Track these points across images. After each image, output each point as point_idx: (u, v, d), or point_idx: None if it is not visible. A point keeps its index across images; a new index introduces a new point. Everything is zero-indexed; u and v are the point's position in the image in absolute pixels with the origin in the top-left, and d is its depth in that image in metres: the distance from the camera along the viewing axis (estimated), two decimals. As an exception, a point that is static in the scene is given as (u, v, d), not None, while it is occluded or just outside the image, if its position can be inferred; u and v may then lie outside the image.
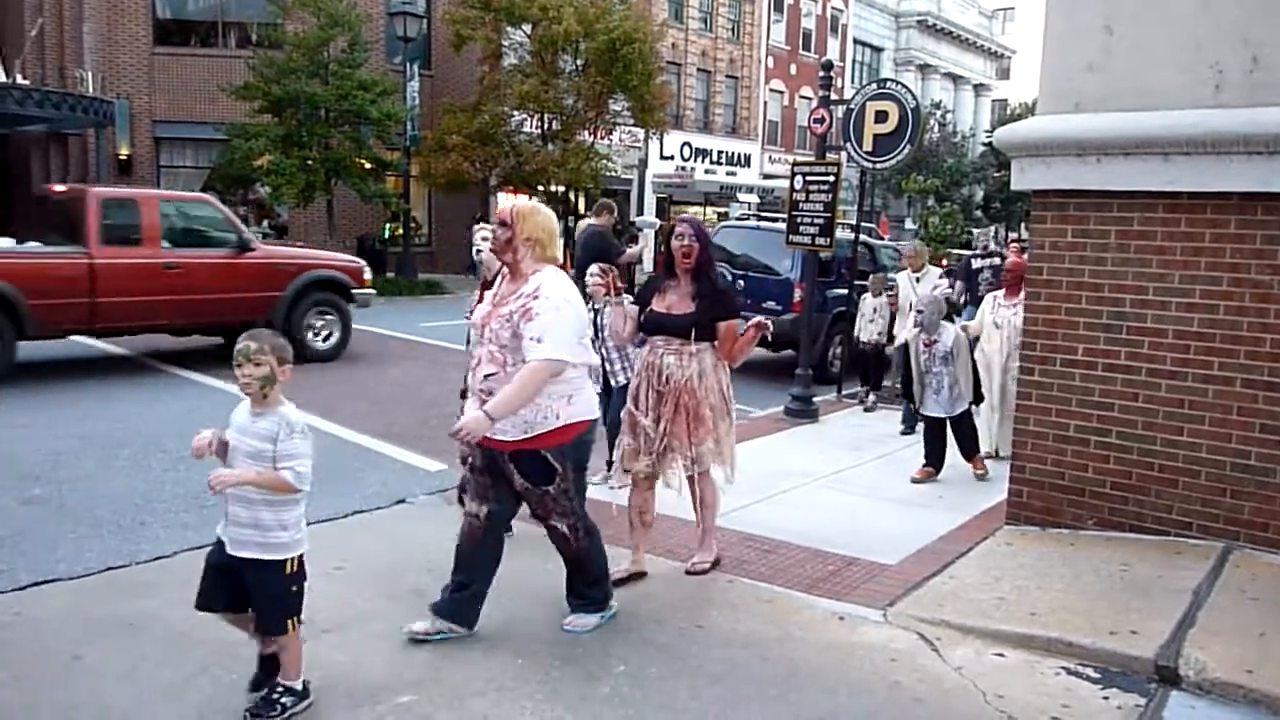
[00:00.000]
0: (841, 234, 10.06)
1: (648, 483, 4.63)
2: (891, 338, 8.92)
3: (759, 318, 4.53)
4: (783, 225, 9.86)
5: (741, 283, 11.04)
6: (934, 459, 6.68)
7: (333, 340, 10.98)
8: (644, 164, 30.78)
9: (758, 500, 5.95)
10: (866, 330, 9.32)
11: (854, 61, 40.53)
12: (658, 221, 12.97)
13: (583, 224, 9.46)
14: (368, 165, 20.12)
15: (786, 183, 9.08)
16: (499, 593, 4.31)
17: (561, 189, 23.99)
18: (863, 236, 11.06)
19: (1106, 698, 3.60)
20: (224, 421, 3.31)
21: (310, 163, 18.84)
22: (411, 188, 22.03)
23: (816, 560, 4.98)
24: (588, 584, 4.10)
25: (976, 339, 7.27)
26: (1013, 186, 5.48)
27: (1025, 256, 6.40)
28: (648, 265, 26.83)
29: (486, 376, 3.65)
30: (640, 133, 26.03)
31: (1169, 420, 5.01)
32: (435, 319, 15.57)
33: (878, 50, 42.41)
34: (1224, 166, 4.72)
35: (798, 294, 10.20)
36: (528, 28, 22.93)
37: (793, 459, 7.07)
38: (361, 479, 6.29)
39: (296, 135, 18.87)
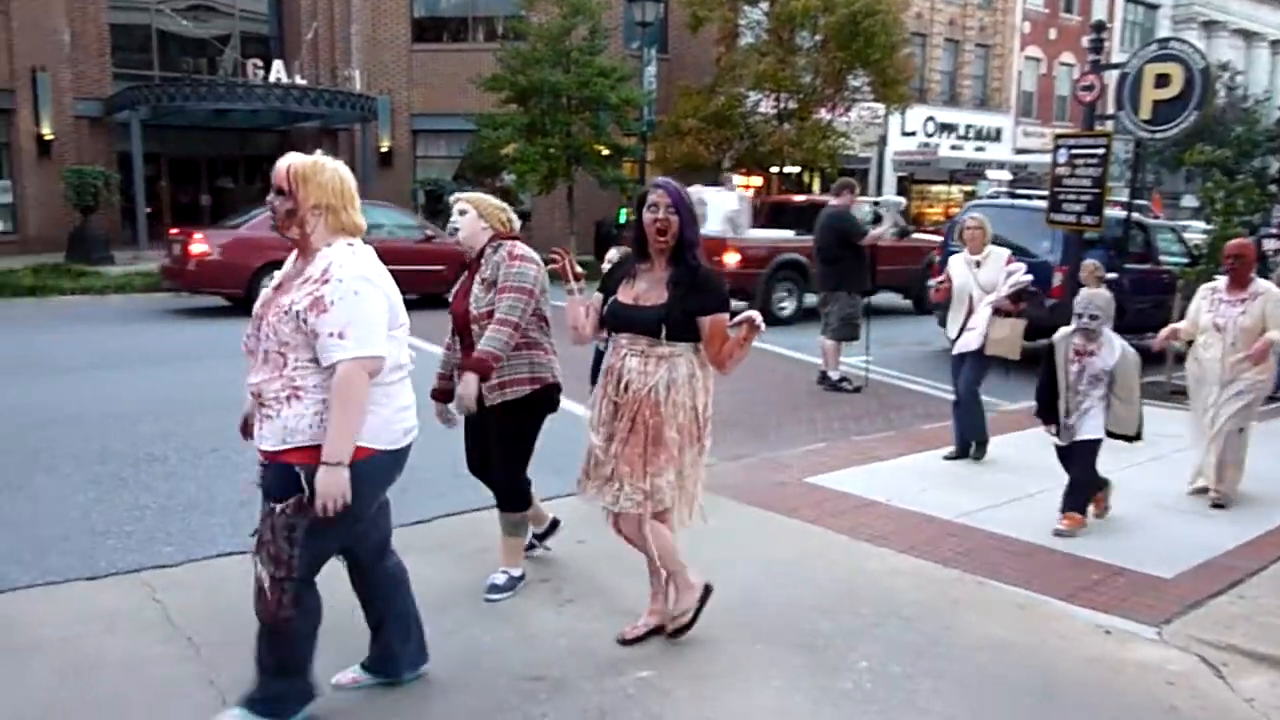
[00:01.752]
0: (1110, 212, 9.31)
1: (632, 519, 3.64)
2: None
3: (750, 312, 3.43)
4: (1040, 203, 9.28)
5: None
6: (1073, 496, 5.21)
7: None
8: (884, 141, 29.86)
9: (1010, 500, 5.65)
10: None
11: (1125, 21, 37.25)
12: (903, 201, 12.52)
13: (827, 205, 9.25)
14: (605, 151, 20.79)
15: (1041, 158, 8.53)
16: (736, 570, 4.37)
17: (796, 169, 23.73)
18: (1134, 215, 10.18)
19: None
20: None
21: (552, 150, 19.70)
22: (646, 172, 22.53)
23: (1077, 567, 4.67)
24: (264, 670, 2.99)
25: (1190, 344, 6.01)
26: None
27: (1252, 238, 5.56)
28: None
29: (260, 382, 2.84)
30: (880, 108, 25.22)
31: None
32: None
33: (1152, 8, 38.74)
34: None
35: (1057, 278, 9.56)
36: (765, 5, 22.82)
37: (1048, 457, 6.64)
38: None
39: (540, 123, 19.78)
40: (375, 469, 2.87)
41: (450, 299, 4.15)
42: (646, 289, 3.56)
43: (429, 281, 12.83)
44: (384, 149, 24.53)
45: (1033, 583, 4.46)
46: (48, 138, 20.69)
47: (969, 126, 32.95)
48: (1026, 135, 34.31)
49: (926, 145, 30.87)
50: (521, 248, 3.99)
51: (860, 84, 23.36)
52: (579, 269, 3.65)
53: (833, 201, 9.11)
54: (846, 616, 4.09)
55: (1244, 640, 3.85)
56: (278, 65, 21.35)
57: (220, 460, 6.04)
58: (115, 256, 18.33)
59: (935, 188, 32.38)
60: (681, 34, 24.08)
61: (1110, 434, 5.18)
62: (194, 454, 6.21)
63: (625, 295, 3.60)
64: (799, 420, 7.79)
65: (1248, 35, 42.00)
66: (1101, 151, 7.97)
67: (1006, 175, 30.09)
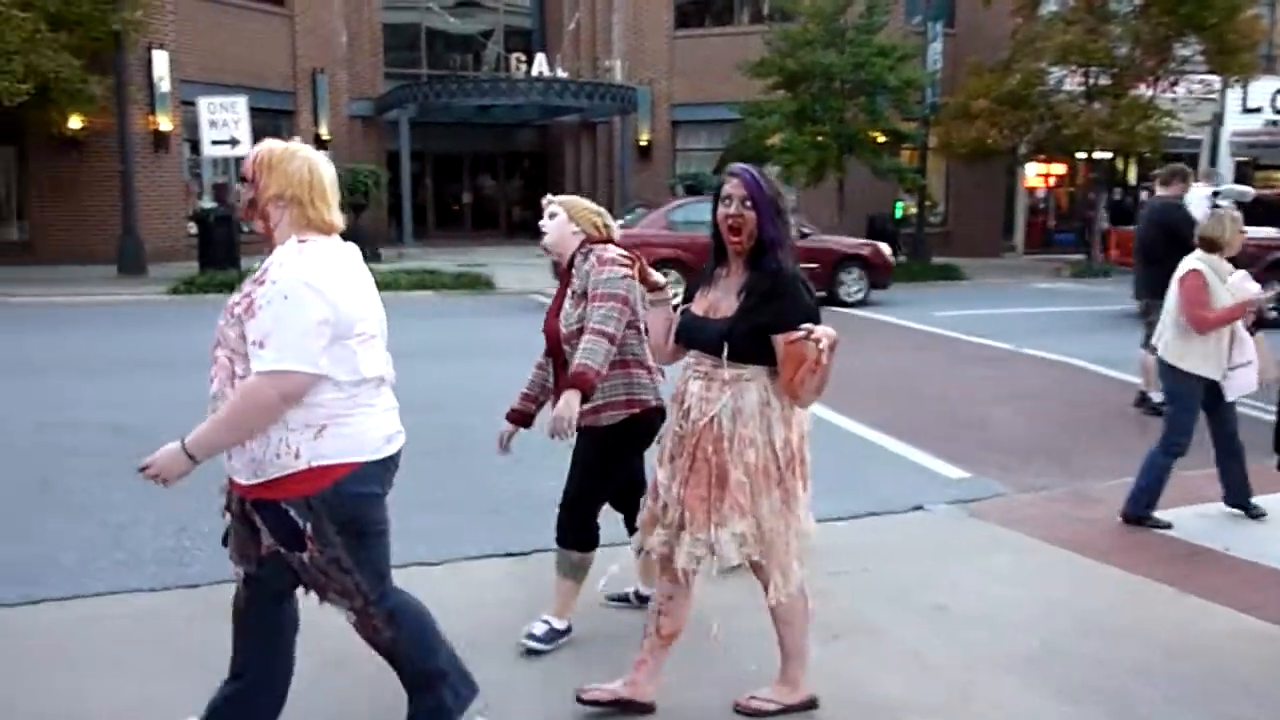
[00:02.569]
0: None
1: (669, 567, 3.32)
2: None
3: (809, 326, 2.99)
4: None
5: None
6: None
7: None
8: (1219, 119, 27.21)
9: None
10: None
11: None
12: (1250, 191, 11.32)
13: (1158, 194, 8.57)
14: (882, 138, 20.36)
15: None
16: (1038, 619, 4.13)
17: (1109, 155, 22.14)
18: None
19: None
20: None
21: (822, 139, 19.55)
22: (928, 161, 21.88)
23: None
24: (410, 686, 3.02)
25: None
26: None
27: None
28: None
29: (214, 394, 2.78)
30: (1216, 81, 23.01)
31: None
32: (952, 308, 15.32)
33: None
34: None
35: None
36: (1074, -33, 21.47)
37: None
38: (875, 479, 6.40)
39: (810, 110, 19.69)
40: (365, 481, 2.80)
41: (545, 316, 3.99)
42: (720, 298, 3.26)
43: None
44: (643, 142, 25.35)
45: None
46: (325, 138, 23.08)
47: (1332, 100, 29.40)
48: None
49: (1276, 124, 27.82)
50: (613, 251, 3.78)
51: (1191, 53, 21.41)
52: (658, 275, 3.46)
53: (1160, 191, 8.41)
54: (1165, 680, 3.75)
55: None
56: (540, 58, 22.67)
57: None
58: (382, 254, 20.13)
59: (1283, 174, 29.16)
60: (972, 5, 23.16)
61: None
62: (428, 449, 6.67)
63: (699, 305, 3.31)
64: (1111, 448, 7.27)
65: None
66: None
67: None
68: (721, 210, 3.19)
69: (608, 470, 3.90)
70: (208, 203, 18.53)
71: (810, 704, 3.47)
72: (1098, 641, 4.05)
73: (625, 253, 3.71)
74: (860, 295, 16.09)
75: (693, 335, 3.28)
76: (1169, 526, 5.36)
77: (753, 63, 20.17)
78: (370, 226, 21.23)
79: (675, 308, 3.44)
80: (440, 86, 22.70)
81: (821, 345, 2.95)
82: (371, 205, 21.00)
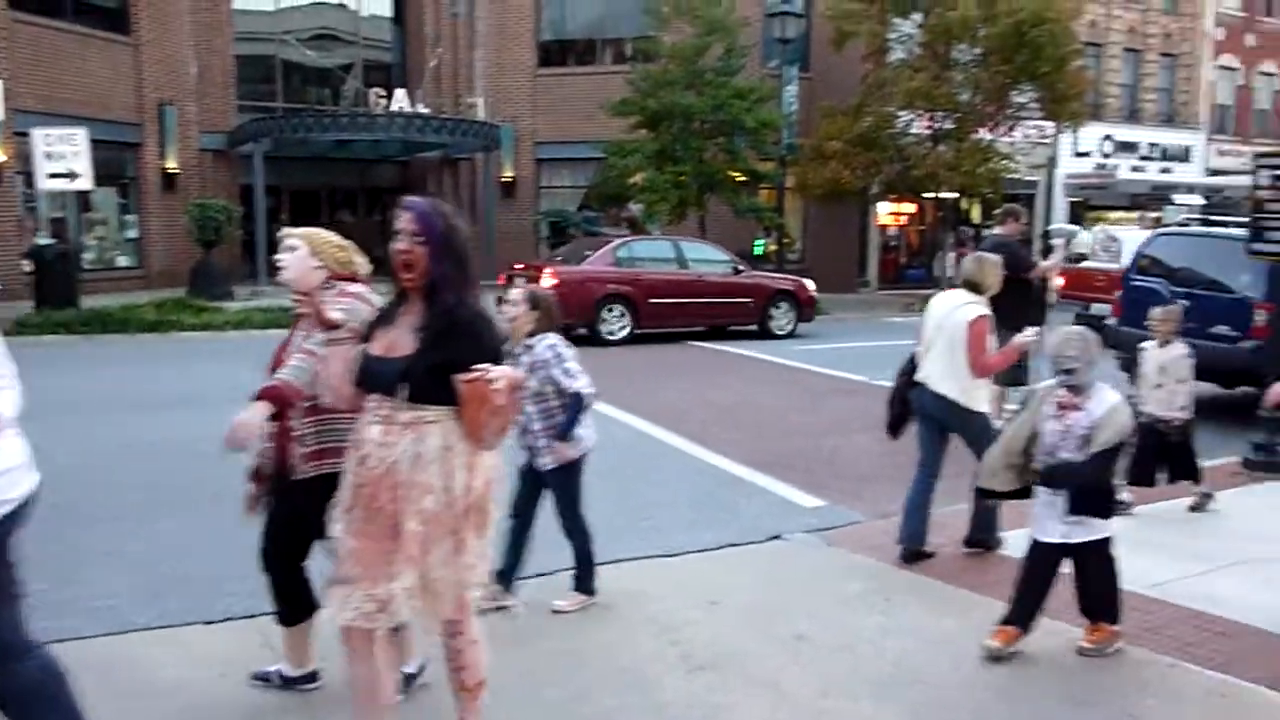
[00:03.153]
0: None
1: (365, 635, 3.04)
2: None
3: (486, 366, 2.85)
4: (1240, 231, 8.84)
5: (1184, 303, 9.99)
6: (1022, 611, 4.32)
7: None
8: (1053, 163, 29.02)
9: (1209, 569, 5.34)
10: (1155, 399, 6.62)
11: (1339, 23, 35.28)
12: (1076, 229, 12.13)
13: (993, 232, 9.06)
14: (741, 178, 20.90)
15: (1239, 179, 8.12)
16: (890, 642, 4.27)
17: (954, 195, 23.28)
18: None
19: None
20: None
21: (683, 178, 19.95)
22: (785, 200, 22.54)
23: (1296, 651, 4.37)
24: None
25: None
26: None
27: None
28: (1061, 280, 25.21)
29: None
30: (1050, 127, 24.54)
31: None
32: (810, 343, 15.78)
33: (1375, 6, 36.56)
34: None
35: (1259, 316, 9.05)
36: (918, 17, 22.60)
37: (1256, 521, 6.28)
38: (736, 510, 6.52)
39: (670, 150, 20.08)
40: None
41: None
42: (399, 336, 3.04)
43: (737, 313, 16.42)
44: (506, 178, 25.34)
45: (1234, 666, 4.19)
46: (173, 171, 22.25)
47: (1153, 145, 31.70)
48: (1221, 154, 32.74)
49: (1103, 167, 29.81)
50: (356, 287, 3.58)
51: (1026, 100, 22.80)
52: (337, 313, 3.30)
53: (996, 230, 8.91)
54: (1019, 699, 3.94)
55: None
56: (400, 94, 22.42)
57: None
58: (235, 291, 19.47)
59: (1114, 214, 31.15)
60: (825, 51, 24.08)
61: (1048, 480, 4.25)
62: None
63: (378, 345, 3.08)
64: (954, 473, 7.57)
65: None
66: (1313, 172, 7.54)
67: (1198, 199, 28.79)
68: (392, 246, 3.04)
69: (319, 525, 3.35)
70: (44, 239, 17.58)
71: None
72: (951, 663, 4.22)
73: (366, 290, 3.59)
74: (790, 328, 16.81)
75: (371, 376, 3.05)
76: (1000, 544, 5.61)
77: (615, 102, 20.48)
78: (223, 263, 20.52)
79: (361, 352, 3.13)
80: (297, 120, 22.18)
81: (497, 386, 2.83)
82: (225, 241, 20.29)
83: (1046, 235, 9.73)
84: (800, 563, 5.51)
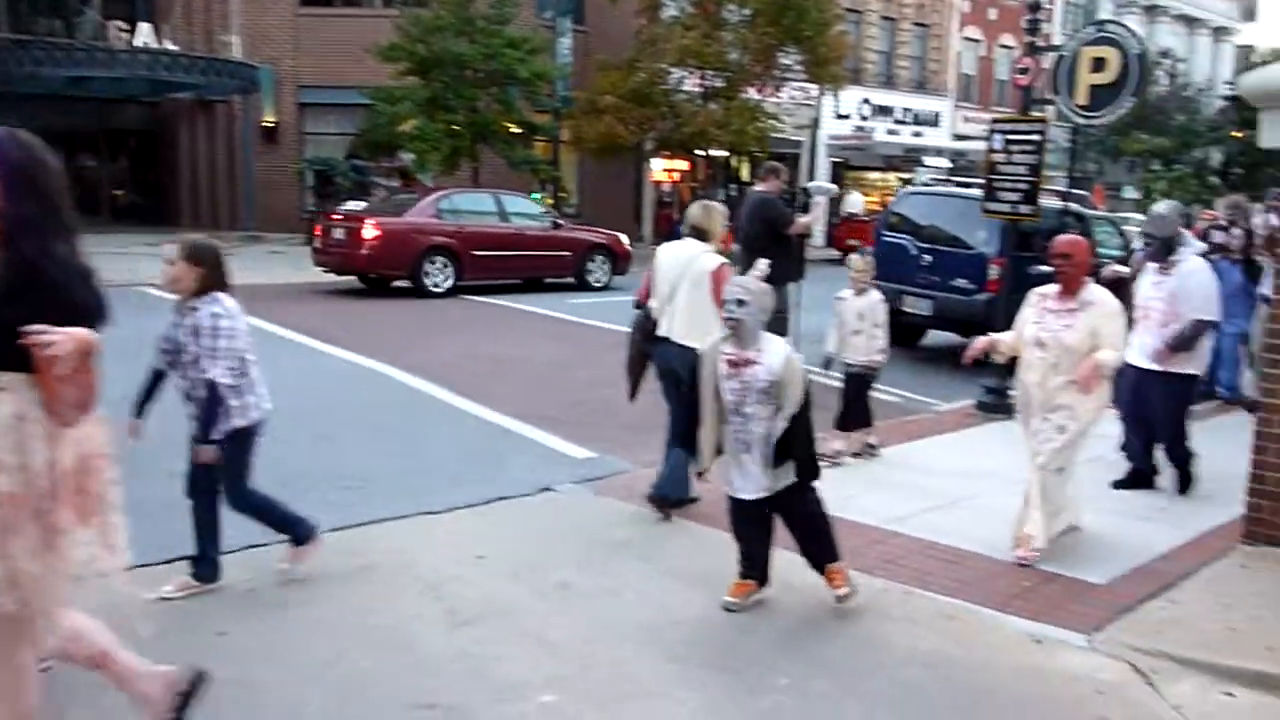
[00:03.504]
0: (1048, 202, 9.62)
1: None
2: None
3: (46, 327, 2.39)
4: (977, 191, 9.53)
5: (928, 257, 10.73)
6: (751, 566, 4.44)
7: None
8: (817, 124, 30.29)
9: (942, 505, 5.80)
10: (853, 346, 6.83)
11: (1066, 2, 38.51)
12: (833, 188, 12.77)
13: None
14: (515, 129, 20.68)
15: (980, 144, 8.76)
16: (650, 587, 4.41)
17: (724, 153, 23.95)
18: (1073, 205, 10.54)
19: (1366, 753, 3.34)
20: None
21: (456, 127, 19.51)
22: (561, 153, 22.50)
23: (1009, 575, 4.81)
24: None
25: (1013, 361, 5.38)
26: (1261, 143, 5.11)
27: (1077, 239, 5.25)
28: (819, 238, 26.48)
29: None
30: (814, 89, 25.62)
31: None
32: (586, 295, 15.89)
33: (1095, -12, 40.17)
34: None
35: (993, 271, 9.82)
36: (690, -26, 22.97)
37: (984, 459, 6.85)
38: (505, 464, 6.50)
39: (442, 98, 19.58)
40: None
41: None
42: None
43: (556, 266, 16.59)
44: (268, 124, 24.02)
45: (962, 591, 4.58)
46: (-126, 105, 19.69)
47: (906, 110, 33.69)
48: (966, 120, 35.20)
49: (861, 129, 31.42)
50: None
51: (791, 62, 23.69)
52: None
53: (759, 187, 9.21)
54: (768, 632, 4.15)
55: (1173, 646, 4.02)
56: (145, 29, 20.73)
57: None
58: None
59: (871, 174, 33.01)
60: (600, 4, 24.10)
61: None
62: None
63: None
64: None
65: (1190, 21, 43.85)
66: (1037, 137, 8.20)
67: (945, 162, 30.92)
68: None
69: None
70: None
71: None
72: (706, 604, 4.39)
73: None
74: (605, 280, 16.99)
75: None
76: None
77: (383, 47, 19.72)
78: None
79: None
80: (24, 53, 20.09)
81: (53, 351, 2.38)
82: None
83: (805, 193, 10.18)
84: (568, 513, 5.58)
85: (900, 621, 4.30)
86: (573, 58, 22.53)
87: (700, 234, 5.50)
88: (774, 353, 4.19)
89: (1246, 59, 40.61)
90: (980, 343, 5.43)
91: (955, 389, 9.07)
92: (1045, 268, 8.96)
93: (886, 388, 8.24)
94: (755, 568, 4.44)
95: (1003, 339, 5.36)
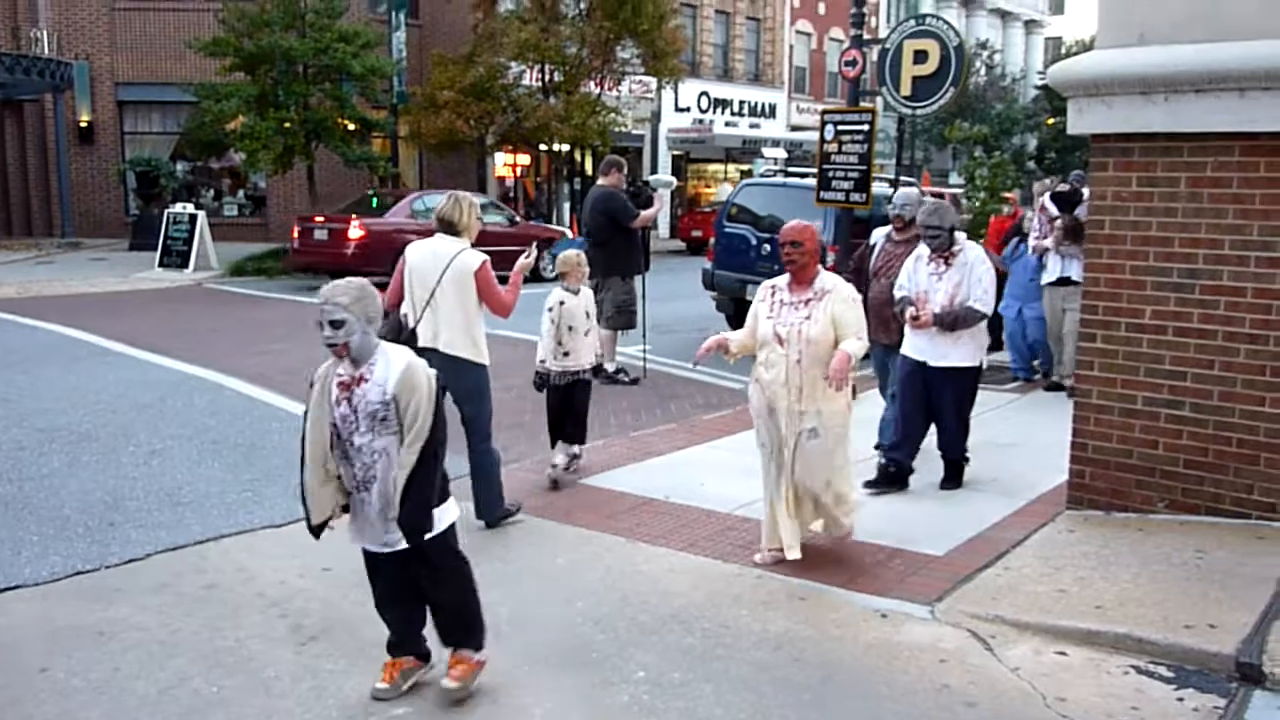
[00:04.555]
0: (879, 189, 9.96)
1: None
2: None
3: None
4: (812, 181, 9.79)
5: (768, 247, 10.96)
6: (401, 638, 3.65)
7: None
8: (657, 117, 30.60)
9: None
10: (585, 347, 6.19)
11: (890, -3, 40.09)
12: (674, 180, 12.88)
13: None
14: (351, 126, 20.07)
15: (814, 135, 9.01)
16: (504, 587, 4.34)
17: (566, 147, 23.89)
18: (902, 192, 10.97)
19: (1181, 699, 3.57)
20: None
21: (288, 125, 18.80)
22: (400, 149, 22.00)
23: (854, 553, 4.96)
24: None
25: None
26: (1069, 130, 5.39)
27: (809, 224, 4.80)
28: (664, 230, 26.77)
29: None
30: (653, 83, 25.83)
31: (1249, 390, 4.94)
32: (539, 286, 15.65)
33: (916, -16, 41.92)
34: (1309, 102, 4.62)
35: (830, 257, 10.13)
36: (526, -31, 22.80)
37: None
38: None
39: (272, 95, 18.82)
40: None
41: None
42: None
43: (515, 259, 16.22)
44: (83, 123, 22.63)
45: (811, 572, 4.69)
46: None
47: (743, 102, 34.37)
48: (800, 111, 36.19)
49: (701, 122, 31.89)
50: None
51: (630, 56, 23.80)
52: None
53: (601, 181, 9.21)
54: (623, 625, 4.15)
55: (1009, 611, 4.22)
56: (-61, 22, 19.17)
57: None
58: None
59: (712, 166, 33.56)
60: (434, -2, 23.65)
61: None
62: None
63: None
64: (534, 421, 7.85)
65: (1004, 15, 46.26)
66: (866, 128, 8.52)
67: (782, 153, 31.74)
68: None
69: None
70: None
71: None
72: (559, 601, 4.35)
73: None
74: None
75: None
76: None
77: (205, 41, 18.81)
78: None
79: None
80: None
81: None
82: None
83: (646, 185, 10.25)
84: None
85: (753, 605, 4.36)
86: (408, 52, 22.03)
87: (450, 228, 4.98)
88: (391, 364, 3.36)
89: (1057, 50, 43.21)
90: (709, 342, 4.83)
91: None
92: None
93: (732, 375, 8.38)
94: (406, 640, 3.63)
95: (733, 337, 4.88)
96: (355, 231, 15.88)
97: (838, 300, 4.62)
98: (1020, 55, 46.17)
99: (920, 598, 4.41)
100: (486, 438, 5.19)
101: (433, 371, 3.47)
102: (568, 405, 6.13)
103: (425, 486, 3.32)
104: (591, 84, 23.38)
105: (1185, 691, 3.61)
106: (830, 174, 8.68)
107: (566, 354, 6.08)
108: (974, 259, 5.74)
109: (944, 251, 5.75)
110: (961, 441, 6.02)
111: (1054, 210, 8.53)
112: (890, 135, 20.14)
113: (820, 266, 4.82)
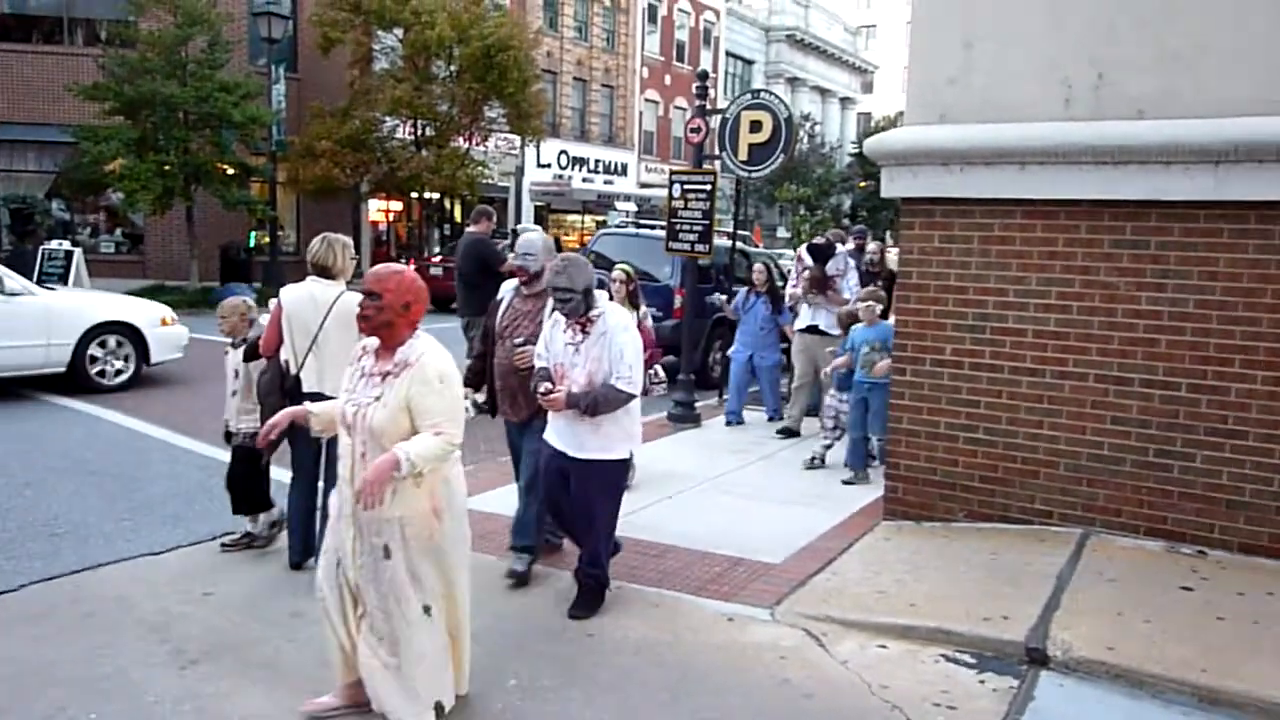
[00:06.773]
0: (719, 241, 10.21)
1: None
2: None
3: None
4: (661, 232, 9.96)
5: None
6: None
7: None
8: (521, 171, 30.59)
9: (645, 505, 5.96)
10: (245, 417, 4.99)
11: (726, 73, 41.31)
12: (539, 229, 12.90)
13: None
14: (231, 171, 19.29)
15: (663, 191, 9.17)
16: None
17: (436, 195, 23.58)
18: (739, 244, 11.27)
19: (983, 681, 3.75)
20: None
21: (168, 168, 17.92)
22: (279, 194, 21.21)
23: (704, 562, 5.02)
24: None
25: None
26: (883, 194, 5.68)
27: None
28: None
29: None
30: (517, 140, 25.82)
31: (1030, 415, 5.28)
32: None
33: (749, 63, 43.35)
34: (1074, 175, 5.01)
35: (678, 300, 10.31)
36: (399, 32, 22.47)
37: (677, 463, 7.12)
38: (221, 498, 5.99)
39: (152, 138, 17.92)
40: None
41: None
42: None
43: None
44: (-44, 161, 20.97)
45: (666, 581, 4.73)
46: None
47: (598, 161, 34.72)
48: (649, 170, 36.81)
49: (560, 177, 32.05)
50: None
51: (496, 115, 23.75)
52: None
53: (471, 228, 9.14)
54: (499, 639, 4.06)
55: (838, 611, 4.35)
56: None
57: None
58: None
59: (570, 217, 33.72)
60: (313, 54, 23.00)
61: None
62: None
63: None
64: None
65: (823, 92, 48.38)
66: (709, 187, 8.73)
67: (633, 207, 32.17)
68: None
69: None
70: None
71: None
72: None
73: None
74: None
75: None
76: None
77: (85, 87, 17.78)
78: None
79: None
80: None
81: None
82: None
83: (514, 234, 10.20)
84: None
85: (614, 613, 4.36)
86: (287, 104, 21.31)
87: (325, 272, 4.54)
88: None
89: (868, 123, 45.52)
90: (280, 415, 3.56)
91: (650, 404, 9.36)
92: (716, 296, 9.54)
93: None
94: None
95: (316, 410, 3.50)
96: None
97: (418, 379, 3.16)
98: (837, 127, 48.34)
99: (761, 601, 4.50)
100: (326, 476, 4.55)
101: None
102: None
103: None
104: (461, 139, 23.19)
105: (986, 675, 3.80)
106: (678, 227, 8.85)
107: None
108: (613, 327, 4.21)
109: (579, 317, 4.24)
110: (604, 553, 4.40)
111: (808, 260, 8.31)
112: (728, 194, 20.68)
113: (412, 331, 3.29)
